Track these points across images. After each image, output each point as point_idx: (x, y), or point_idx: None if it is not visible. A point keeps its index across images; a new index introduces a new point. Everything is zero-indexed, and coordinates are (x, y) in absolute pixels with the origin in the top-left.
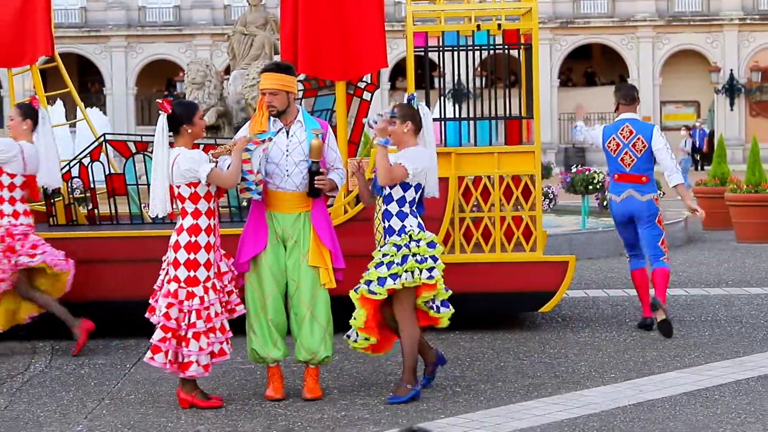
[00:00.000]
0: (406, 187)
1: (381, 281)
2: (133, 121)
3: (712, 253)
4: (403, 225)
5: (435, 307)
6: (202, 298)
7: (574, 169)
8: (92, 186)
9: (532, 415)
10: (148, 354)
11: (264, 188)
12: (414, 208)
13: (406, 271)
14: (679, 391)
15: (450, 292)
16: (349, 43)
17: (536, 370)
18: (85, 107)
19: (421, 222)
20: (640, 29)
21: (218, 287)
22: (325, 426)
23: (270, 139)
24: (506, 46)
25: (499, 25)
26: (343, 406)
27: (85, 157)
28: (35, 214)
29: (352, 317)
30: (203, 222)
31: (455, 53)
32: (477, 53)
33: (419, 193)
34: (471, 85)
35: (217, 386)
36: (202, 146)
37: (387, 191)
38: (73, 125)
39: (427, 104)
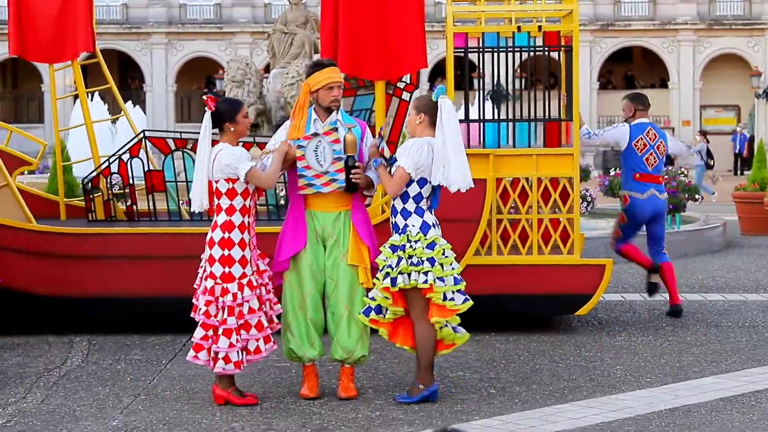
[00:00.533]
0: (408, 182)
1: (385, 278)
2: (173, 118)
3: (751, 259)
4: (405, 224)
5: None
6: (235, 295)
7: (612, 172)
8: (131, 182)
9: (567, 418)
10: (191, 353)
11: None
12: (421, 204)
13: (401, 273)
14: (715, 397)
15: (467, 304)
16: (390, 43)
17: (572, 373)
18: (125, 104)
19: (430, 220)
20: (681, 32)
21: (255, 284)
22: (360, 425)
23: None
24: (546, 48)
25: (540, 27)
26: (377, 405)
27: (124, 153)
28: (74, 210)
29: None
30: (237, 219)
31: (495, 54)
32: (517, 55)
33: (425, 187)
34: (510, 86)
35: (252, 384)
36: (241, 144)
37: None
38: (113, 121)
39: (466, 105)
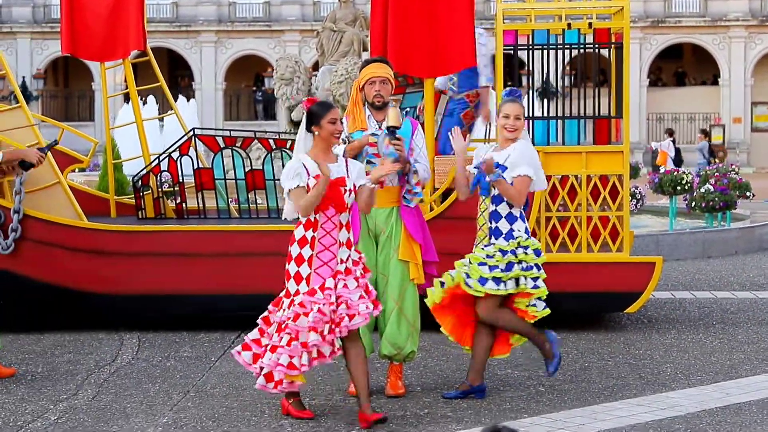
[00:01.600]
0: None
1: (482, 280)
2: (222, 116)
3: None
4: (511, 228)
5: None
6: (284, 311)
7: (662, 170)
8: (180, 180)
9: (616, 416)
10: (237, 347)
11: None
12: (523, 209)
13: (510, 279)
14: (766, 395)
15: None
16: (439, 41)
17: (621, 371)
18: (175, 102)
19: (528, 225)
20: (732, 29)
21: (299, 303)
22: (408, 423)
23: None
24: (597, 45)
25: (590, 24)
26: (426, 403)
27: (174, 151)
28: (125, 207)
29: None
30: (298, 233)
31: (545, 52)
32: (566, 52)
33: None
34: (559, 83)
35: None
36: (289, 142)
37: (495, 191)
38: (161, 119)
39: None
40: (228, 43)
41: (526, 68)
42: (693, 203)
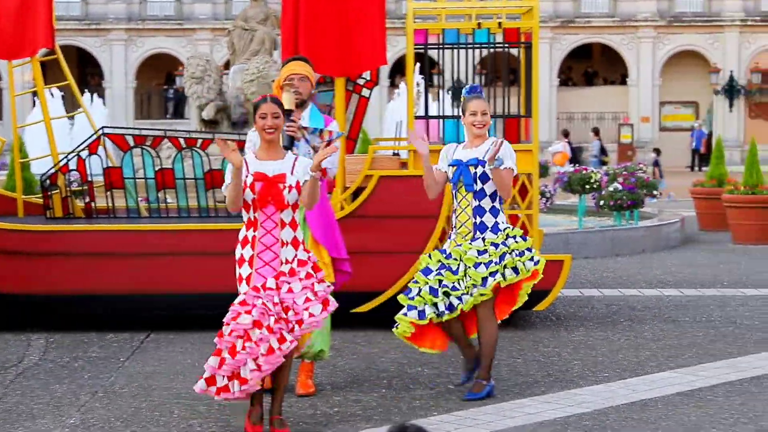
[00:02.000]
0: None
1: (484, 282)
2: (132, 114)
3: (708, 254)
4: (496, 222)
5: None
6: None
7: (571, 169)
8: (89, 179)
9: (525, 413)
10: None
11: None
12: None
13: (506, 268)
14: (672, 391)
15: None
16: (350, 40)
17: (529, 369)
18: (84, 100)
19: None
20: (641, 29)
21: (241, 301)
22: (318, 422)
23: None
24: (506, 45)
25: (500, 24)
26: (335, 402)
27: (83, 150)
28: (33, 207)
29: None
30: (241, 233)
31: (455, 51)
32: (477, 51)
33: None
34: (470, 82)
35: None
36: (200, 140)
37: (479, 186)
38: (71, 118)
39: (426, 101)
40: (139, 41)
41: (437, 68)
42: (601, 202)
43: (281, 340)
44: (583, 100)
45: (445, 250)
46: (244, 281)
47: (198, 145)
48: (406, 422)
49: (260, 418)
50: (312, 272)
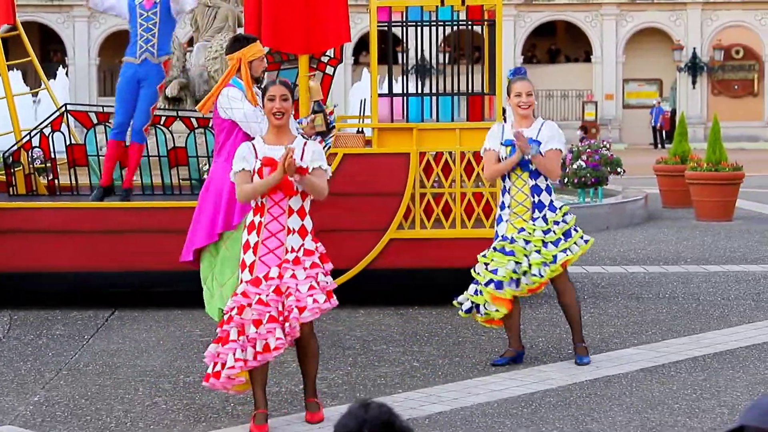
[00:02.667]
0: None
1: (554, 259)
2: (96, 92)
3: (672, 231)
4: (551, 199)
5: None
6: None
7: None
8: (53, 156)
9: (490, 390)
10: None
11: None
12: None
13: (575, 244)
14: (635, 368)
15: None
16: (313, 17)
17: (494, 346)
18: (48, 77)
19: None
20: (604, 6)
21: (242, 292)
22: (283, 399)
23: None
24: (470, 22)
25: (463, 1)
26: (300, 380)
27: (46, 127)
28: None
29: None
30: (248, 218)
31: (419, 28)
32: (440, 29)
33: None
34: (434, 60)
35: (175, 358)
36: (163, 118)
37: (534, 166)
38: (35, 94)
39: (390, 79)
40: (101, 18)
41: (401, 45)
42: (566, 179)
43: (277, 343)
44: (547, 77)
45: (505, 236)
46: (247, 269)
47: (162, 123)
48: (368, 399)
49: (265, 419)
50: (319, 263)
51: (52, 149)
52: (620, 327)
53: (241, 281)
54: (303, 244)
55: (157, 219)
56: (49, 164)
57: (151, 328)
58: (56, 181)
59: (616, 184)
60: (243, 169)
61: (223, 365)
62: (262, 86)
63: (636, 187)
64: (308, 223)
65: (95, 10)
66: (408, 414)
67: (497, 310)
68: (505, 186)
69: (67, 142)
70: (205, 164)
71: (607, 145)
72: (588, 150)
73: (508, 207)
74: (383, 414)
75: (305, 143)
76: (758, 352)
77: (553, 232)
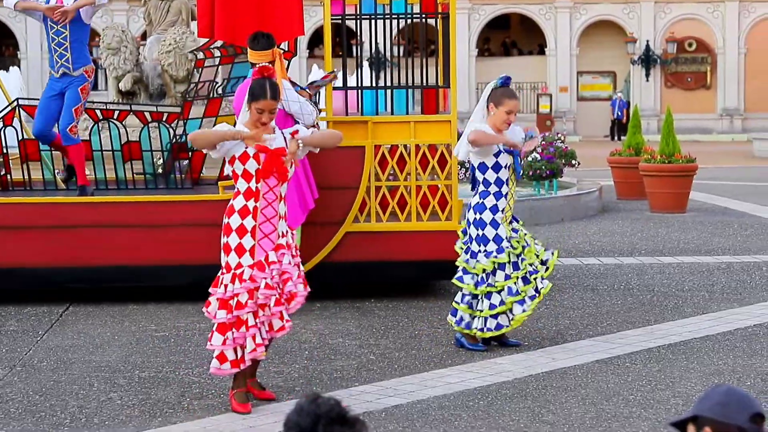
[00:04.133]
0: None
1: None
2: None
3: (626, 223)
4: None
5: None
6: (225, 286)
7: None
8: (5, 151)
9: (446, 383)
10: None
11: None
12: None
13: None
14: (591, 359)
15: None
16: (266, 11)
17: (450, 338)
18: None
19: None
20: None
21: (249, 277)
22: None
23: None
24: (424, 15)
25: None
26: (257, 374)
27: None
28: None
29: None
30: (238, 203)
31: (373, 21)
32: (395, 21)
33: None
34: (388, 53)
35: (130, 353)
36: (117, 112)
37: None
38: None
39: (344, 73)
40: None
41: (355, 38)
42: (521, 172)
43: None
44: (502, 70)
45: (507, 238)
46: (247, 253)
47: (115, 117)
48: (316, 393)
49: (247, 397)
50: (296, 251)
51: (4, 144)
52: (575, 319)
53: (240, 266)
54: (286, 230)
55: (111, 214)
56: (1, 159)
57: (105, 324)
58: (9, 177)
59: (571, 177)
60: (223, 131)
61: (243, 348)
62: (251, 87)
63: (590, 180)
64: (283, 208)
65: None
66: (364, 407)
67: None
68: (501, 191)
69: (20, 137)
70: (159, 158)
71: (562, 138)
72: (543, 142)
73: (501, 211)
74: (335, 408)
75: (282, 133)
76: (712, 343)
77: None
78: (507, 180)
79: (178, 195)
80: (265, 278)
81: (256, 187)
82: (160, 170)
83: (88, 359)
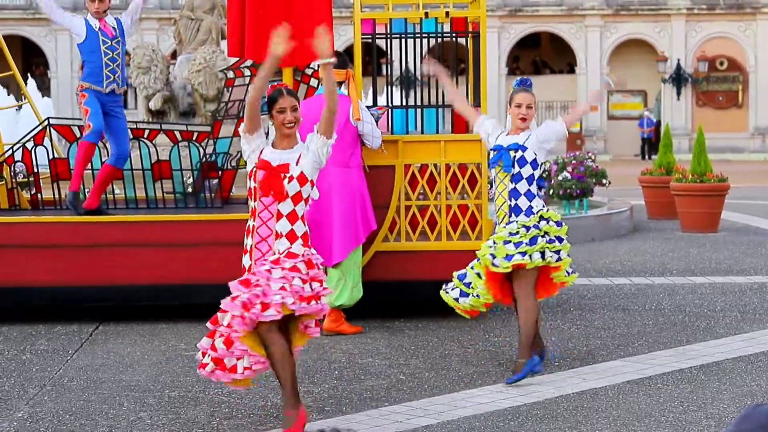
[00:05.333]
0: (534, 164)
1: (508, 258)
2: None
3: (657, 243)
4: (530, 205)
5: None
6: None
7: None
8: (36, 170)
9: (476, 403)
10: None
11: None
12: (536, 186)
13: (536, 251)
14: (622, 380)
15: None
16: (296, 30)
17: (480, 359)
18: (30, 91)
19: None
20: (588, 18)
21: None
22: (269, 413)
23: None
24: (454, 34)
25: (447, 13)
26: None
27: (28, 141)
28: None
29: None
30: (249, 222)
31: (403, 40)
32: (425, 41)
33: (537, 170)
34: (418, 72)
35: (160, 373)
36: (147, 131)
37: (516, 170)
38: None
39: (375, 92)
40: None
41: (385, 57)
42: (551, 191)
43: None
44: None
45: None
46: (246, 273)
47: (145, 136)
48: (338, 426)
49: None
50: (301, 267)
51: (35, 163)
52: (606, 339)
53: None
54: (289, 248)
55: (142, 233)
56: (32, 178)
57: (135, 343)
58: (39, 196)
59: (602, 196)
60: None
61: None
62: (266, 97)
63: (621, 199)
64: (299, 227)
65: (53, 21)
66: (394, 427)
67: (478, 296)
68: (492, 194)
69: (50, 156)
70: (189, 177)
71: (593, 157)
72: (573, 161)
73: (495, 213)
74: None
75: (302, 152)
76: (744, 364)
77: (520, 234)
78: (494, 179)
79: (208, 214)
80: (246, 293)
81: (254, 207)
82: (189, 189)
83: (118, 378)
